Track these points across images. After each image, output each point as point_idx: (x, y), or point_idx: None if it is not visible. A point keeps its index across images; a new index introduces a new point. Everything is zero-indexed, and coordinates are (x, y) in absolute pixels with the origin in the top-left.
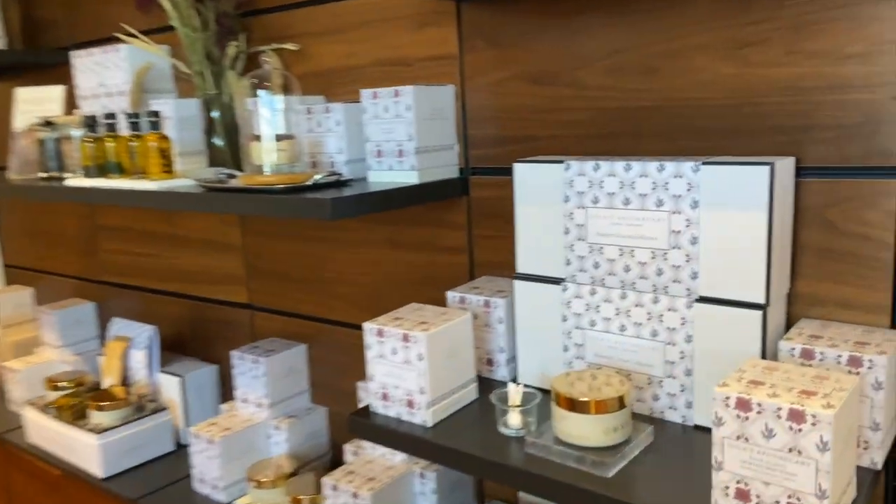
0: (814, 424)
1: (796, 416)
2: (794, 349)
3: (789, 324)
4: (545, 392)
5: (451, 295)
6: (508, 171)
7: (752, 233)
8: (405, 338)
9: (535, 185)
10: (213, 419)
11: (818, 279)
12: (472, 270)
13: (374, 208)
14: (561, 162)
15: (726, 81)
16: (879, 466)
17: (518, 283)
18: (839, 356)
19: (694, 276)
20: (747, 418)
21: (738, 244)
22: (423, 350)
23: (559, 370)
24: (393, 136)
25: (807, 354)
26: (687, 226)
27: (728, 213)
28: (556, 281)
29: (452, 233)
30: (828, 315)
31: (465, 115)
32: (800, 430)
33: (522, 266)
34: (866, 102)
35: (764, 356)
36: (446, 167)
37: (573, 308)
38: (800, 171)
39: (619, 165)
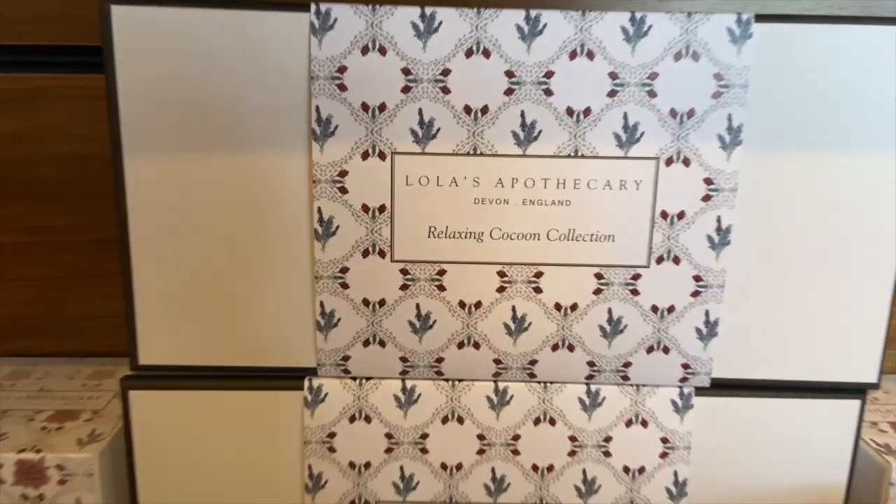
0: None
1: None
2: None
3: None
4: None
5: None
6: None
7: (872, 209)
8: None
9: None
10: None
11: None
12: None
13: None
14: (306, 4)
15: None
16: None
17: (137, 396)
18: None
19: (706, 327)
20: None
21: (826, 235)
22: None
23: None
24: None
25: None
26: (707, 193)
27: (808, 157)
28: (288, 374)
29: None
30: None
31: None
32: None
33: (150, 350)
34: None
35: None
36: None
37: (345, 451)
38: None
39: (507, 17)
